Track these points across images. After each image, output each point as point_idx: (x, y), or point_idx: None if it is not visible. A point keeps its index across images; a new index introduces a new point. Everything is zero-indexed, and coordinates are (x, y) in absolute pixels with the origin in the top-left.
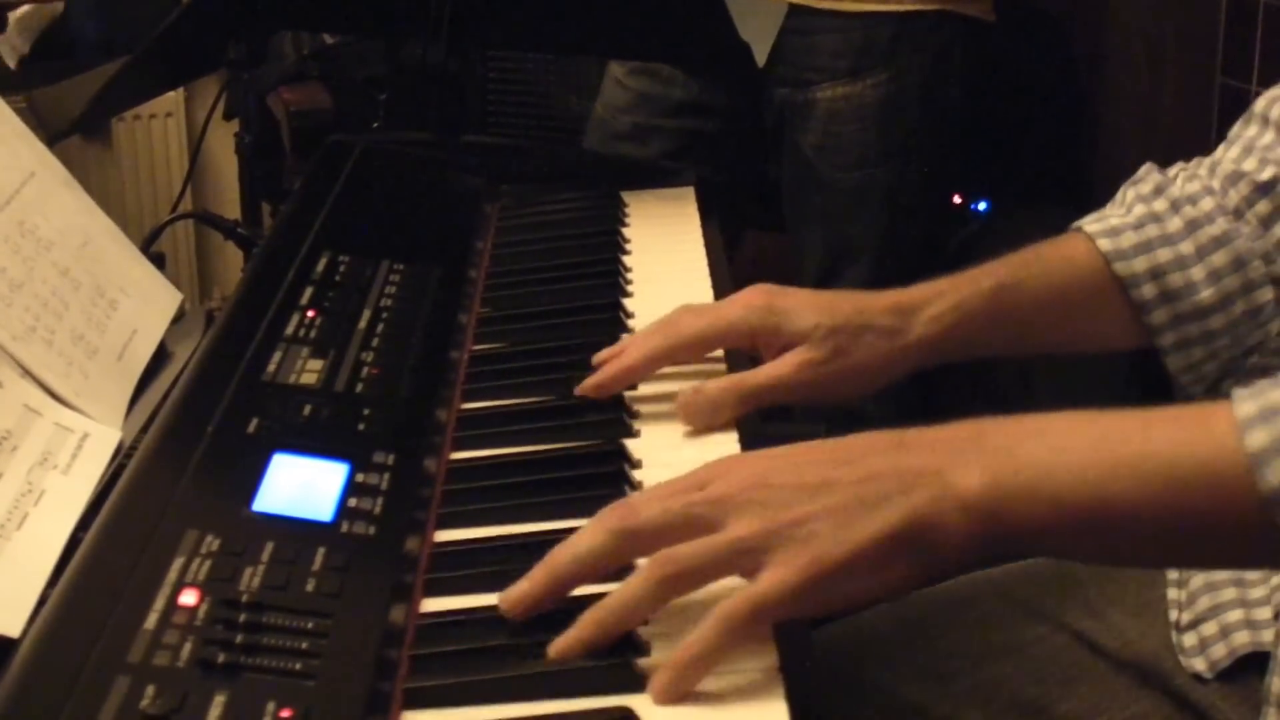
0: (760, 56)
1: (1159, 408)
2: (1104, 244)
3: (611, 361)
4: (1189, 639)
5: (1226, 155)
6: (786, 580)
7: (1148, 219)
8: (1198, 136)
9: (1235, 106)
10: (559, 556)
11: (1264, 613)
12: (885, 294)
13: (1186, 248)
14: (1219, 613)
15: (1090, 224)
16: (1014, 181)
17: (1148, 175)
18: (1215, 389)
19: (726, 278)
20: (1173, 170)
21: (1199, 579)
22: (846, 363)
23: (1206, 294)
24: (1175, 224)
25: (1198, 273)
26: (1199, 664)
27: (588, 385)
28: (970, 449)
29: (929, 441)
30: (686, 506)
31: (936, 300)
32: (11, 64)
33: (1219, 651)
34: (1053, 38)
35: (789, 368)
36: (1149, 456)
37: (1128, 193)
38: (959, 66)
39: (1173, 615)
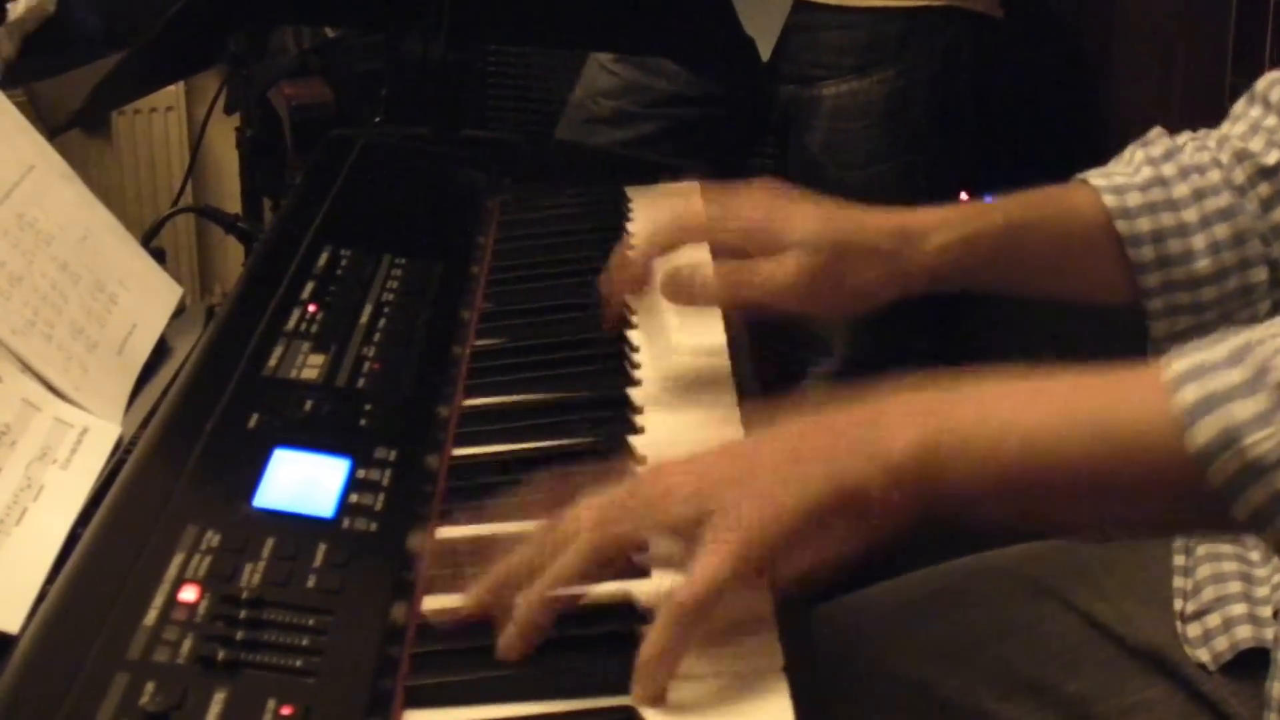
0: (765, 51)
1: (1093, 368)
2: (1109, 200)
3: (619, 268)
4: (1193, 629)
5: (1233, 131)
6: (720, 564)
7: (1154, 182)
8: None
9: None
10: (497, 571)
11: (1268, 610)
12: (891, 214)
13: (1190, 215)
14: (1223, 605)
15: (1096, 178)
16: (1020, 180)
17: (1158, 139)
18: None
19: None
20: (1182, 138)
21: (1205, 569)
22: (842, 280)
23: (1203, 264)
24: (1181, 190)
25: (1198, 242)
26: (1202, 655)
27: (607, 291)
28: (899, 414)
29: (856, 412)
30: (617, 508)
31: (943, 228)
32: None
33: (1221, 644)
34: (1060, 35)
35: (785, 271)
36: (1076, 415)
37: (1136, 153)
38: (968, 63)
39: (1177, 604)
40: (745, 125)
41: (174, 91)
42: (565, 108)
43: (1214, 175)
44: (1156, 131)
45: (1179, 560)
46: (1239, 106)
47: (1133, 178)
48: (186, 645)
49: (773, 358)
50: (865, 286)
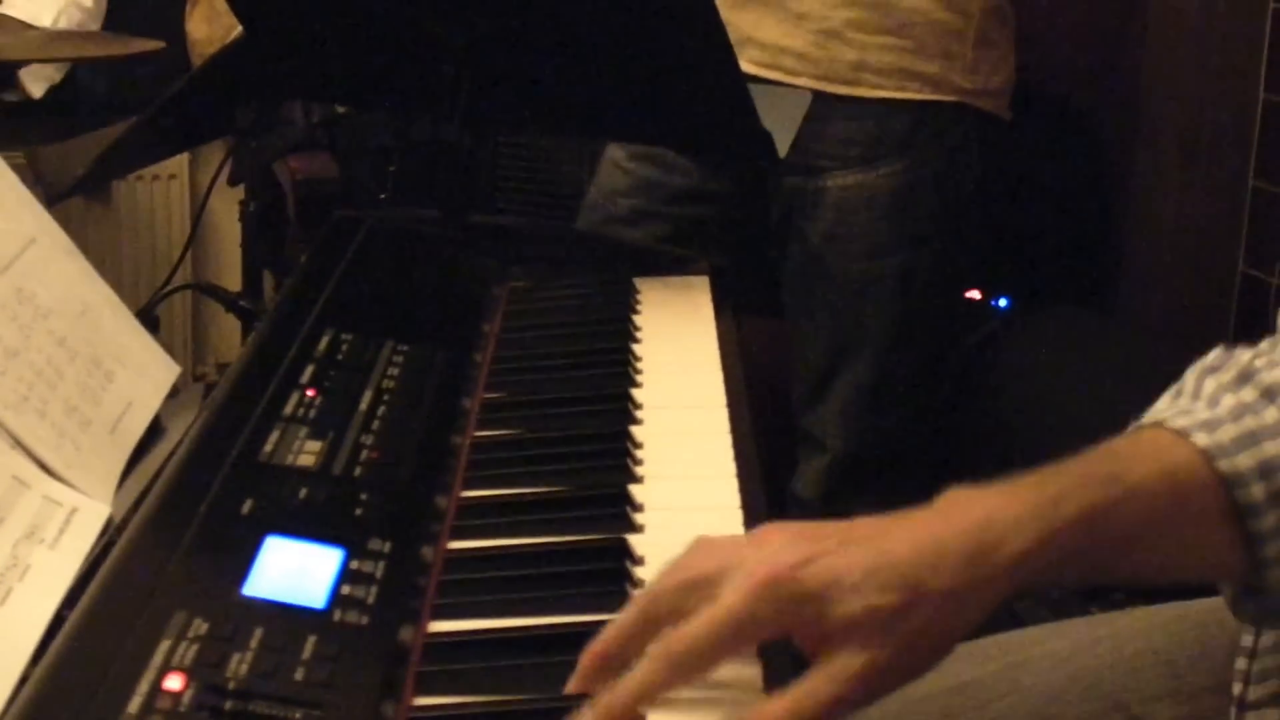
0: (782, 147)
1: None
2: (1200, 439)
3: (597, 706)
4: (1250, 718)
5: None
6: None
7: (1242, 410)
8: (1227, 240)
9: (1267, 209)
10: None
11: None
12: (944, 527)
13: None
14: None
15: (1176, 417)
16: (1036, 279)
17: (1225, 362)
18: None
19: (739, 370)
20: (1244, 354)
21: (1271, 660)
22: (912, 649)
23: None
24: (1273, 415)
25: None
26: None
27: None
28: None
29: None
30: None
31: (1015, 533)
32: (37, 92)
33: None
34: (1081, 132)
35: (840, 686)
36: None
37: (1205, 382)
38: (975, 161)
39: (1236, 689)
40: (754, 220)
41: (178, 160)
42: (580, 208)
43: None
44: (1217, 354)
45: (1246, 640)
46: None
47: (1216, 409)
48: None
49: (765, 452)
50: (940, 648)
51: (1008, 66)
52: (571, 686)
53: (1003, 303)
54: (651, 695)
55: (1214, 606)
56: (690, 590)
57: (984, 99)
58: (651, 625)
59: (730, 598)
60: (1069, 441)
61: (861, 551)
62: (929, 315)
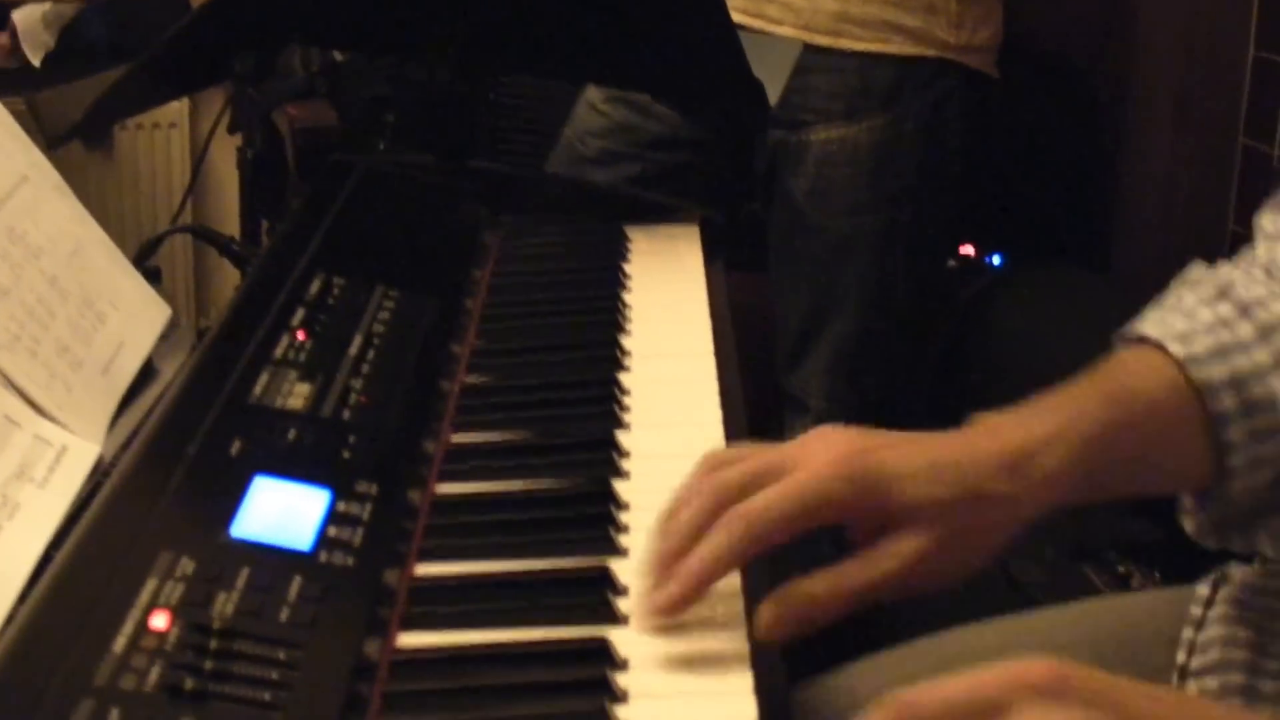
0: (773, 94)
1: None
2: (1176, 349)
3: (678, 574)
4: (1191, 687)
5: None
6: None
7: (1217, 325)
8: (1217, 196)
9: (1256, 167)
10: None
11: (1270, 685)
12: (987, 441)
13: (1262, 356)
14: (1225, 670)
15: (1154, 327)
16: (1030, 235)
17: (1203, 277)
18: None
19: (727, 320)
20: (1222, 269)
21: (1216, 630)
22: (961, 545)
23: None
24: (1246, 330)
25: (1278, 383)
26: None
27: (659, 605)
28: None
29: None
30: None
31: (1047, 451)
32: (35, 60)
33: None
34: (1075, 88)
35: (899, 562)
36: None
37: (1184, 296)
38: (958, 117)
39: (1180, 657)
40: (732, 171)
41: (178, 108)
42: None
43: (1277, 307)
44: (1196, 269)
45: (1195, 611)
46: (1267, 222)
47: (1192, 321)
48: (154, 673)
49: (751, 413)
50: (982, 546)
51: (994, 23)
52: (648, 570)
53: (996, 259)
54: (728, 561)
55: (1143, 600)
56: (759, 475)
57: (968, 55)
58: (721, 507)
59: (804, 474)
60: (1038, 382)
61: (920, 449)
62: (910, 274)
